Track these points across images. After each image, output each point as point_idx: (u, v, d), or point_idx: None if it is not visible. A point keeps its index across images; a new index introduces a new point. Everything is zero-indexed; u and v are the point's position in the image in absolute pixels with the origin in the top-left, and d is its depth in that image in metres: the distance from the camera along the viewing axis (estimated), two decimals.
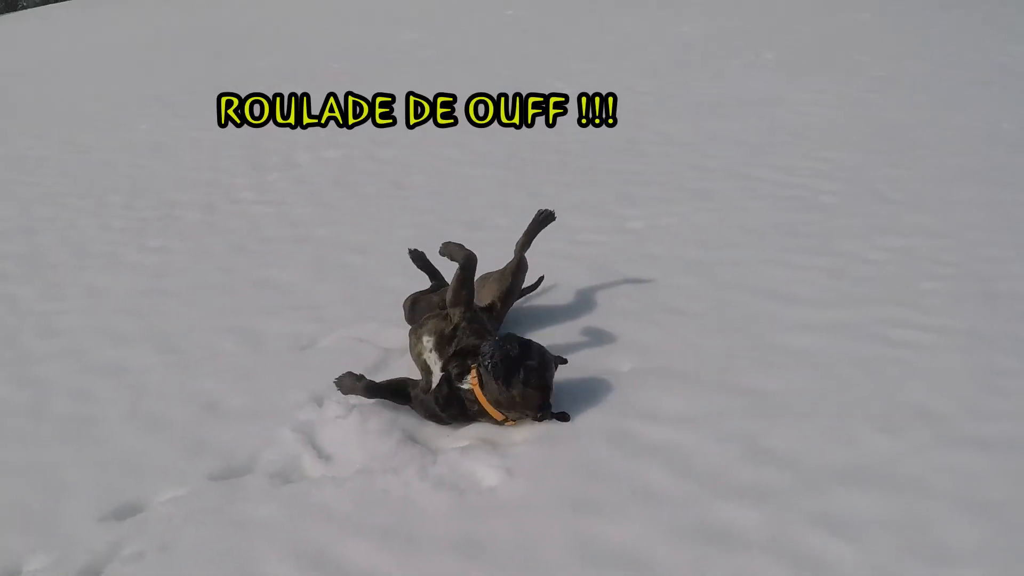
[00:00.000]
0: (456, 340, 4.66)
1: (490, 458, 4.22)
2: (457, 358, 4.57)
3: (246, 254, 7.25)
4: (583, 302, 5.76)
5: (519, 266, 5.45)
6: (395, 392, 4.63)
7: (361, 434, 4.52)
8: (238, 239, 7.60)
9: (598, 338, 5.29)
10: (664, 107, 10.49)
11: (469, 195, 8.10)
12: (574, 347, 5.18)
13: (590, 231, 6.92)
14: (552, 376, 4.41)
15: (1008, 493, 3.78)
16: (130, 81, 16.68)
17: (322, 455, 4.48)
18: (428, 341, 4.71)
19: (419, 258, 5.45)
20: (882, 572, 3.42)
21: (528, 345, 4.39)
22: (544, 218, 5.60)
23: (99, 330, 6.17)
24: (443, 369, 4.55)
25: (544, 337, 5.30)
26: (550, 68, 13.38)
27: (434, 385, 4.53)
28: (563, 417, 4.37)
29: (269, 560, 3.79)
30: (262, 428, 4.73)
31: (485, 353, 4.32)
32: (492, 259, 6.15)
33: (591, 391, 4.70)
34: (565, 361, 4.68)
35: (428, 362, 4.65)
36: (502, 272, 5.39)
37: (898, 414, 4.33)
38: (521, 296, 5.69)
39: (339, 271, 6.58)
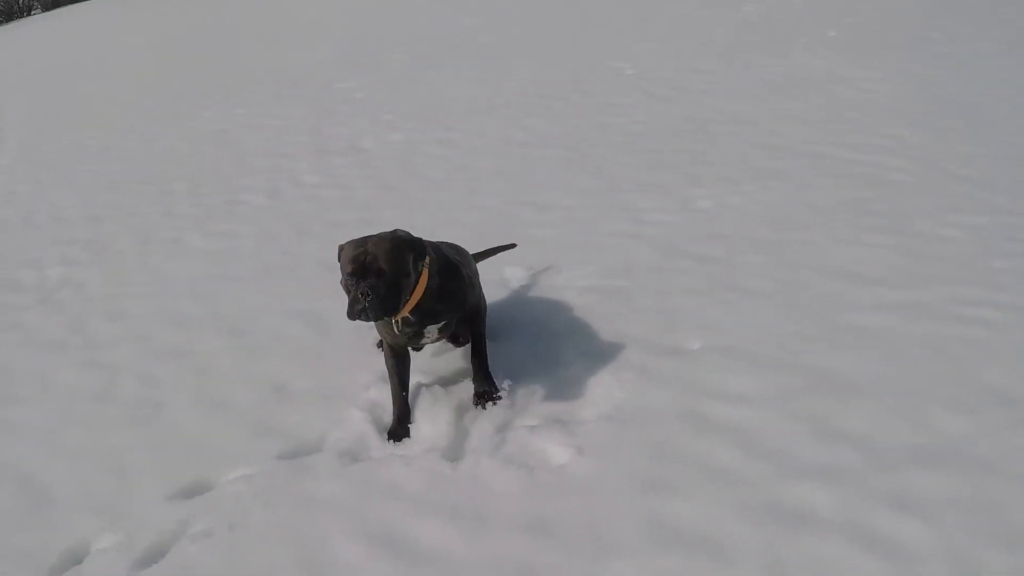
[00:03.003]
0: None
1: (560, 436, 4.21)
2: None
3: (311, 238, 7.28)
4: (651, 282, 5.71)
5: None
6: (404, 380, 4.59)
7: (430, 413, 4.53)
8: (303, 223, 7.64)
9: (666, 317, 5.24)
10: (728, 86, 10.39)
11: (535, 177, 8.07)
12: (642, 326, 5.14)
13: (657, 211, 6.87)
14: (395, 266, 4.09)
15: None
16: (191, 72, 16.84)
17: None
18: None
19: None
20: (956, 554, 3.37)
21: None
22: None
23: (165, 315, 6.24)
24: None
25: (610, 317, 5.30)
26: (612, 49, 13.31)
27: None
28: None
29: (338, 538, 3.81)
30: (330, 409, 4.75)
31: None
32: (560, 240, 6.18)
33: (660, 369, 4.68)
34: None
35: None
36: None
37: (971, 395, 4.24)
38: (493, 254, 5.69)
39: None
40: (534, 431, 4.27)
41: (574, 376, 4.72)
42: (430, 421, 4.49)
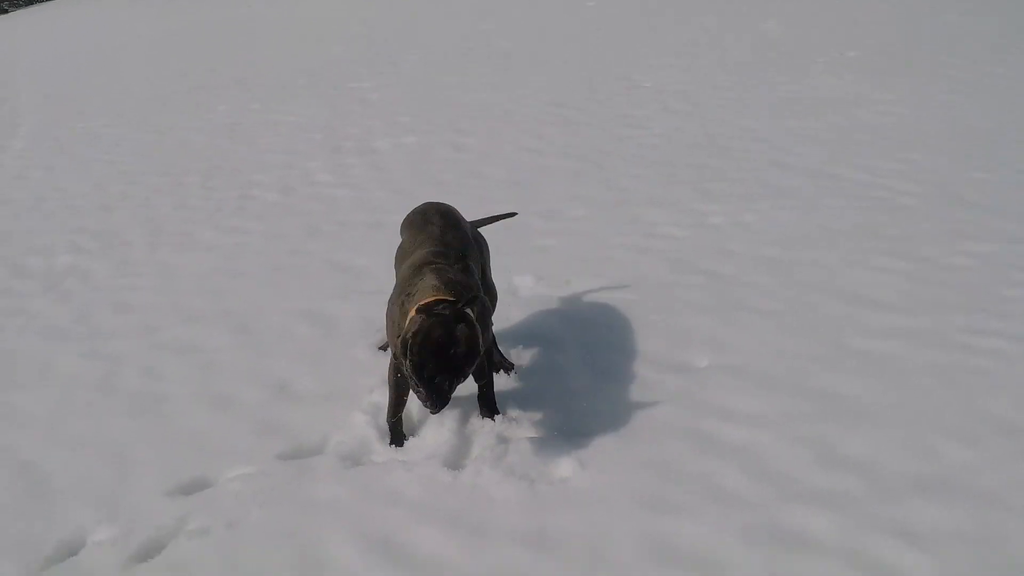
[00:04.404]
0: None
1: (563, 449, 4.19)
2: None
3: (322, 237, 7.28)
4: (659, 296, 5.70)
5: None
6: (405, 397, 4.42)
7: (433, 420, 4.50)
8: (314, 222, 7.63)
9: (674, 333, 5.23)
10: (745, 104, 10.38)
11: (547, 186, 8.06)
12: (650, 341, 5.13)
13: (668, 225, 6.86)
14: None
15: None
16: (209, 64, 16.83)
17: None
18: None
19: None
20: None
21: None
22: None
23: (172, 308, 6.23)
24: None
25: (618, 331, 5.29)
26: (628, 61, 13.30)
27: None
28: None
29: (336, 541, 3.79)
30: (333, 411, 4.73)
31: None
32: (570, 251, 6.15)
33: (666, 386, 4.66)
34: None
35: None
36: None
37: (977, 425, 4.22)
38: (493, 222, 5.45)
39: None
40: (537, 443, 4.25)
41: (579, 389, 4.70)
42: (433, 427, 4.47)
